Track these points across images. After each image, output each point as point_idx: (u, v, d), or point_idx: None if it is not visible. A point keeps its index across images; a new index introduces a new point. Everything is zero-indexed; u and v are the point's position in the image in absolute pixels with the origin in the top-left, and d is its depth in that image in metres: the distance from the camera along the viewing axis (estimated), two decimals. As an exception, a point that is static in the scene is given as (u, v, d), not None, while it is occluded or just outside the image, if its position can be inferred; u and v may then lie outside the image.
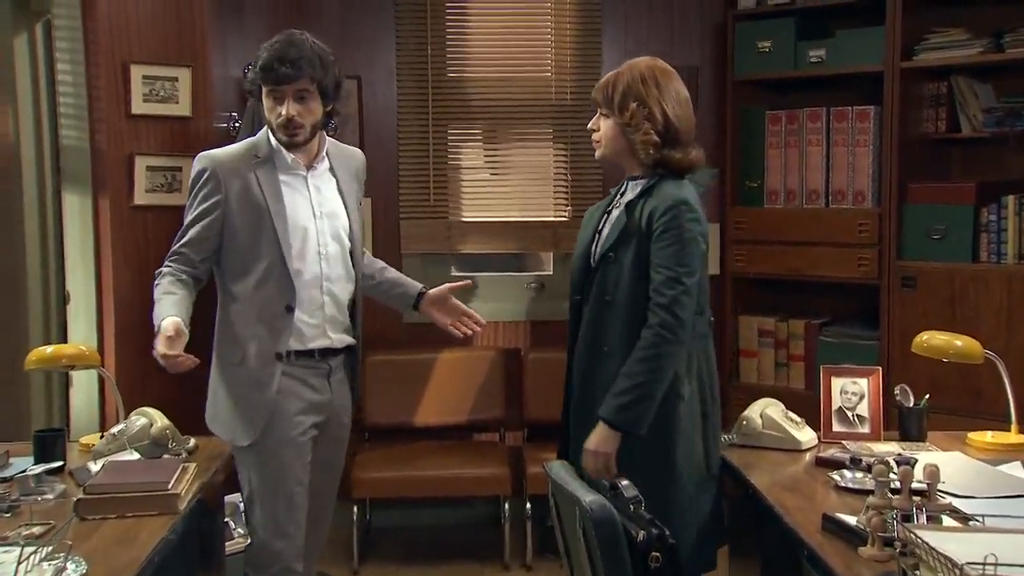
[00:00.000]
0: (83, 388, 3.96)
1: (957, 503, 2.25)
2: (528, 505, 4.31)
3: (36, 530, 2.22)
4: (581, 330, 2.74)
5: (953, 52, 4.02)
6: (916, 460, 2.49)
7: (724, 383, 4.56)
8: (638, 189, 2.69)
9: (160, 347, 2.54)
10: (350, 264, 2.91)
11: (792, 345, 4.53)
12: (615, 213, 2.72)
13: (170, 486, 2.43)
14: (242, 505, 2.96)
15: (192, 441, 2.95)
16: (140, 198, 3.99)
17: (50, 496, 2.49)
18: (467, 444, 4.74)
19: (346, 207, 2.91)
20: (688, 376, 2.64)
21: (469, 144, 4.87)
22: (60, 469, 2.71)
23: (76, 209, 3.96)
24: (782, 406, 2.96)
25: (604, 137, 2.73)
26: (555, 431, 2.88)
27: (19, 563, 1.88)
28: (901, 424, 2.95)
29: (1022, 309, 3.78)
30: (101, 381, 3.87)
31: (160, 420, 2.90)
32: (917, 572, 1.80)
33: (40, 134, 4.13)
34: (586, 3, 4.77)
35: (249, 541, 2.90)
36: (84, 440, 3.05)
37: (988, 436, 2.91)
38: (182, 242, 2.82)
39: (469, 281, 3.05)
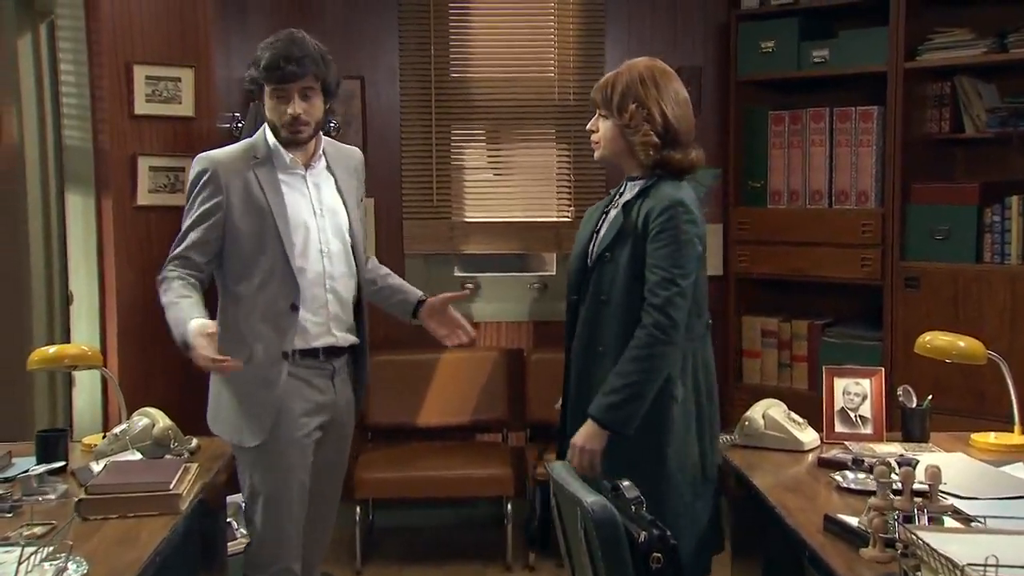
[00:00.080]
0: (86, 388, 3.97)
1: (959, 504, 2.25)
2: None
3: (38, 530, 2.22)
4: (577, 330, 2.73)
5: (957, 52, 4.02)
6: (918, 461, 2.48)
7: (727, 383, 4.59)
8: (636, 189, 2.69)
9: (207, 351, 2.52)
10: (352, 262, 2.91)
11: (795, 346, 4.52)
12: (613, 213, 2.72)
13: (172, 486, 2.43)
14: (244, 505, 2.96)
15: (194, 441, 2.96)
16: (143, 198, 4.00)
17: (52, 496, 2.49)
18: (470, 445, 4.74)
19: (345, 205, 2.91)
20: (683, 378, 2.63)
21: (472, 144, 4.87)
22: (62, 469, 2.72)
23: (79, 209, 3.96)
24: (784, 407, 2.96)
25: (603, 138, 2.73)
26: (557, 431, 2.88)
27: (19, 563, 1.88)
28: (904, 425, 2.95)
29: (1026, 310, 3.78)
30: (104, 381, 3.88)
31: (162, 420, 2.91)
32: (918, 573, 1.79)
33: (44, 134, 4.13)
34: (589, 3, 4.77)
35: (249, 541, 2.90)
36: (87, 440, 3.06)
37: (991, 437, 2.90)
38: (185, 245, 2.79)
39: (467, 291, 3.03)
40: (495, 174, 4.91)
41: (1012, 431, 2.92)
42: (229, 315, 2.83)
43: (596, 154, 2.77)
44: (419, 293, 3.07)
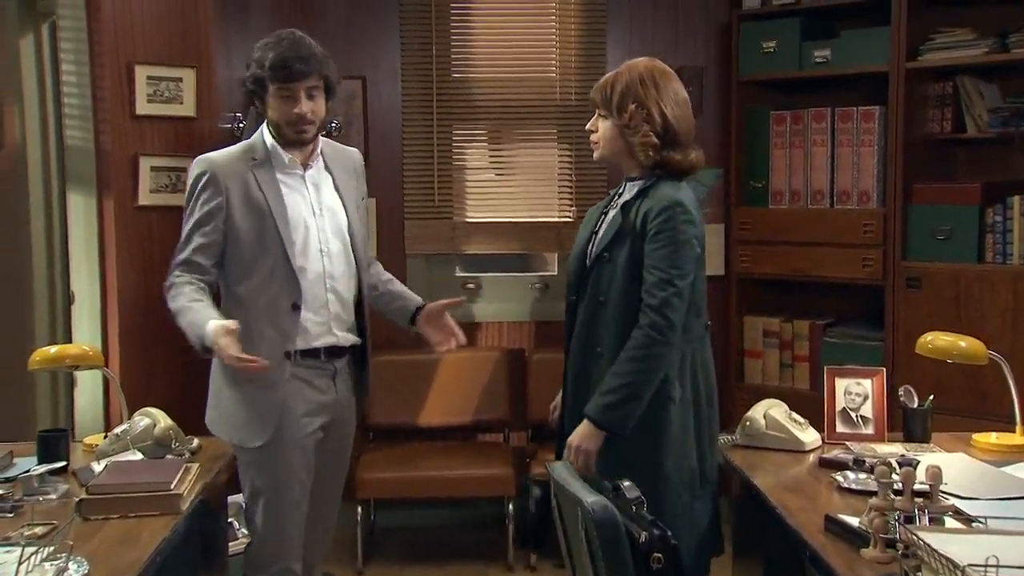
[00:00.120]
0: (87, 388, 3.97)
1: (960, 505, 2.25)
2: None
3: (39, 530, 2.22)
4: (575, 330, 2.73)
5: (958, 52, 4.01)
6: (918, 461, 2.48)
7: (729, 384, 4.58)
8: (635, 190, 2.69)
9: (233, 350, 2.52)
10: (352, 261, 2.91)
11: (797, 346, 4.52)
12: (611, 214, 2.72)
13: (173, 486, 2.43)
14: (244, 505, 2.96)
15: (195, 441, 2.96)
16: (144, 198, 4.00)
17: (53, 496, 2.49)
18: (471, 445, 4.74)
19: (344, 204, 2.91)
20: (681, 379, 2.63)
21: (474, 144, 4.87)
22: (64, 469, 2.71)
23: (81, 209, 3.97)
24: (786, 407, 2.96)
25: (602, 138, 2.72)
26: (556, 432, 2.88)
27: (20, 563, 1.88)
28: (905, 425, 2.94)
29: (1028, 310, 3.77)
30: (105, 381, 3.88)
31: (163, 420, 2.90)
32: (919, 574, 1.79)
33: (46, 135, 4.14)
34: (591, 3, 4.77)
35: (249, 541, 2.90)
36: (88, 440, 3.06)
37: (993, 437, 2.90)
38: (190, 249, 2.78)
39: (463, 299, 3.03)
40: (497, 174, 4.91)
41: (1014, 431, 2.91)
42: (231, 316, 2.83)
43: (595, 154, 2.77)
44: (419, 300, 3.05)
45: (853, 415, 2.95)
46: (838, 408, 2.96)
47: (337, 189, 2.92)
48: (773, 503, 2.43)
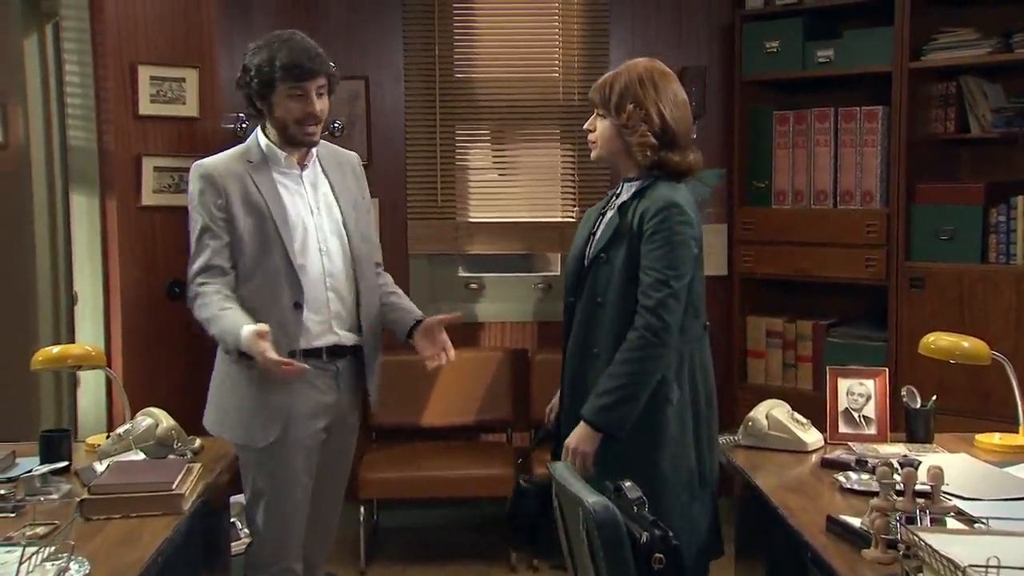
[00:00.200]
0: (90, 388, 3.98)
1: (963, 505, 2.24)
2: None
3: (40, 530, 2.22)
4: (573, 331, 2.73)
5: (962, 52, 4.00)
6: (920, 462, 2.47)
7: (732, 384, 4.58)
8: (632, 191, 2.68)
9: (271, 354, 2.54)
10: (351, 260, 2.90)
11: (800, 346, 4.51)
12: (609, 215, 2.71)
13: (174, 486, 2.43)
14: (245, 504, 2.96)
15: (197, 441, 2.95)
16: (147, 199, 4.00)
17: (55, 496, 2.49)
18: (474, 445, 4.74)
19: (340, 204, 2.91)
20: (679, 380, 2.62)
21: (477, 145, 4.88)
22: (66, 469, 2.71)
23: (83, 209, 3.97)
24: (788, 407, 2.95)
25: (600, 138, 2.72)
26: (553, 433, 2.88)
27: (21, 563, 1.88)
28: (908, 426, 2.93)
29: (1031, 310, 3.77)
30: (108, 382, 3.88)
31: (166, 420, 2.90)
32: (920, 574, 1.79)
33: (50, 135, 4.14)
34: (594, 4, 4.77)
35: (250, 541, 2.90)
36: (90, 440, 3.06)
37: (996, 438, 2.89)
38: (207, 254, 2.77)
39: (459, 315, 3.02)
40: (499, 174, 4.91)
41: (1017, 432, 2.91)
42: None
43: (593, 154, 2.77)
44: (418, 315, 3.02)
45: (856, 415, 2.94)
46: (840, 408, 2.95)
47: (333, 188, 2.92)
48: (775, 503, 2.43)
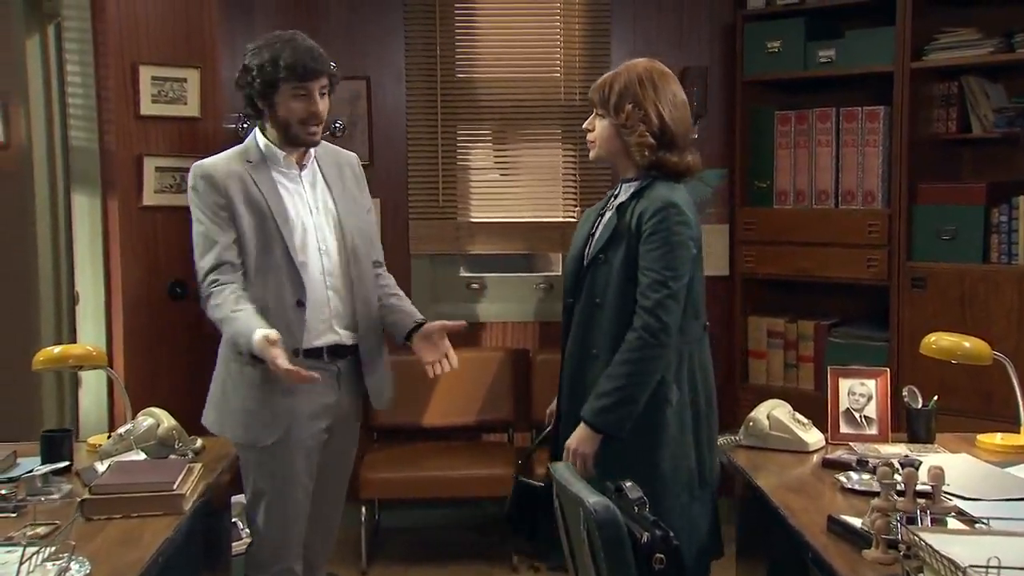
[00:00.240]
0: (92, 388, 3.98)
1: (964, 506, 2.24)
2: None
3: (41, 530, 2.22)
4: (571, 332, 2.73)
5: (964, 52, 4.00)
6: (921, 462, 2.47)
7: (733, 384, 4.58)
8: (630, 191, 2.68)
9: (282, 361, 2.55)
10: (348, 259, 2.90)
11: (801, 346, 4.51)
12: (607, 215, 2.71)
13: (175, 486, 2.43)
14: (246, 504, 2.96)
15: (199, 441, 2.95)
16: (149, 199, 4.00)
17: (56, 496, 2.49)
18: (475, 445, 4.74)
19: (337, 203, 2.91)
20: (679, 380, 2.62)
21: (478, 145, 4.88)
22: (67, 469, 2.72)
23: (85, 210, 3.97)
24: (789, 407, 2.95)
25: (599, 137, 2.72)
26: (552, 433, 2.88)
27: (21, 563, 1.88)
28: (909, 426, 2.93)
29: (1033, 310, 3.76)
30: (110, 382, 3.89)
31: (167, 420, 2.90)
32: (921, 575, 1.79)
33: (52, 135, 4.15)
34: (595, 3, 4.77)
35: (250, 541, 2.91)
36: (92, 440, 3.06)
37: (997, 438, 2.89)
38: (217, 250, 2.76)
39: (464, 324, 3.00)
40: (501, 174, 4.91)
41: (1018, 432, 2.90)
42: None
43: (591, 153, 2.77)
44: (418, 317, 3.00)
45: (857, 416, 2.94)
46: (842, 409, 2.95)
47: (330, 188, 2.92)
48: (776, 504, 2.42)
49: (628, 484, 2.18)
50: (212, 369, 2.95)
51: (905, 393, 2.96)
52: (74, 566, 1.99)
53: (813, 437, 2.87)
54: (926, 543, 1.74)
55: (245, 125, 4.29)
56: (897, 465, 2.22)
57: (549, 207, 4.86)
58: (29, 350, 3.19)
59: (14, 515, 2.36)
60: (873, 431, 2.91)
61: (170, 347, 4.04)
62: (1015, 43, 3.90)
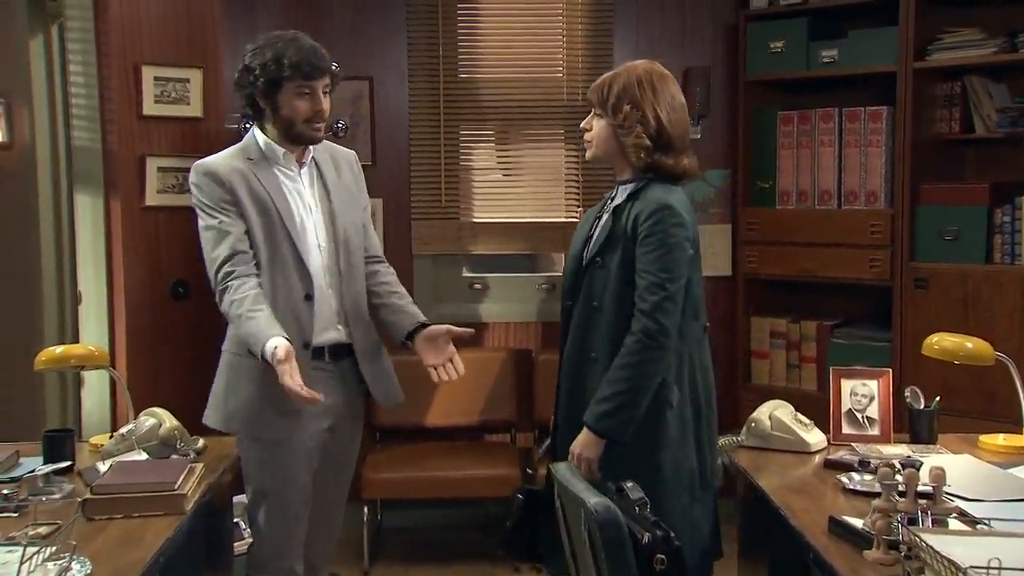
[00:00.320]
0: (95, 389, 3.99)
1: (965, 506, 2.23)
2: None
3: (42, 530, 2.22)
4: (570, 335, 2.73)
5: (967, 52, 4.00)
6: (922, 463, 2.47)
7: (736, 384, 4.58)
8: (626, 193, 2.68)
9: (296, 378, 2.53)
10: (340, 255, 2.90)
11: (804, 346, 4.51)
12: (604, 218, 2.71)
13: (177, 486, 2.44)
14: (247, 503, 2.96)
15: (200, 442, 2.96)
16: (151, 199, 4.01)
17: (57, 496, 2.50)
18: (478, 445, 4.74)
19: (334, 201, 2.91)
20: (679, 381, 2.62)
21: (481, 145, 4.88)
22: (69, 469, 2.72)
23: (88, 210, 3.98)
24: (791, 408, 2.95)
25: (596, 137, 2.72)
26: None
27: (22, 563, 1.88)
28: (911, 426, 2.93)
29: (1036, 311, 3.76)
30: (112, 382, 3.89)
31: (169, 420, 2.91)
32: (922, 575, 1.79)
33: (55, 135, 4.16)
34: (598, 4, 4.77)
35: (251, 541, 2.91)
36: (94, 440, 3.07)
37: (1000, 439, 2.89)
38: (229, 240, 2.73)
39: (471, 331, 2.99)
40: (503, 174, 4.91)
41: (1021, 433, 2.90)
42: None
43: (588, 153, 2.77)
44: (420, 318, 2.97)
45: (859, 416, 2.94)
46: (844, 409, 2.95)
47: (327, 185, 2.93)
48: (777, 504, 2.42)
49: (629, 485, 2.19)
50: (214, 369, 2.94)
51: (907, 394, 2.96)
52: (75, 566, 1.99)
53: (815, 438, 2.87)
54: (927, 544, 1.74)
55: (248, 125, 4.29)
56: (898, 466, 2.21)
57: (551, 207, 4.86)
58: (32, 350, 3.20)
59: (16, 515, 2.37)
60: (875, 432, 2.91)
61: (172, 347, 4.05)
62: (1018, 43, 3.89)
